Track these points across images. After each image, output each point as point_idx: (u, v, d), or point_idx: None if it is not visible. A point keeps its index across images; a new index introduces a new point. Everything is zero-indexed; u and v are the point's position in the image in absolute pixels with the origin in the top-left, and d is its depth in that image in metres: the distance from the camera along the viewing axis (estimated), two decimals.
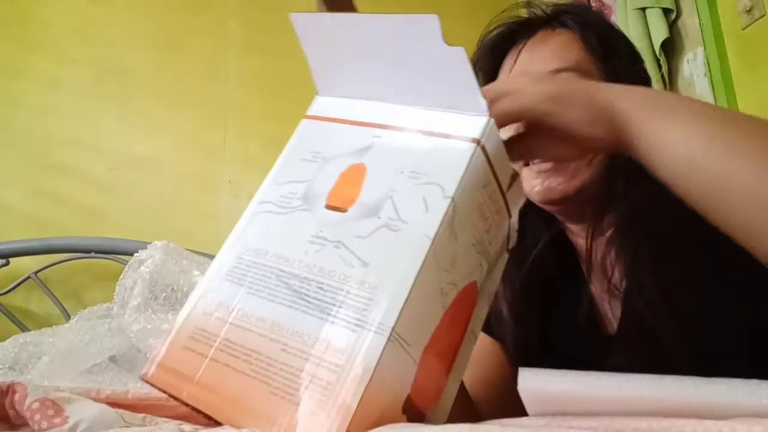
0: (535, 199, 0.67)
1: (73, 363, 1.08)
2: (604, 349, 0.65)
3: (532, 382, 0.34)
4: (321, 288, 0.35)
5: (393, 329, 0.33)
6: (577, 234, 0.72)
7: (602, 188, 0.65)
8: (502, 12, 0.73)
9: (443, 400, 0.41)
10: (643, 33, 1.69)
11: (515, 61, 0.69)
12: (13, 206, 1.63)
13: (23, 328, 1.48)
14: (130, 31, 1.85)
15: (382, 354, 0.32)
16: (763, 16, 1.46)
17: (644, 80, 0.72)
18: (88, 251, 1.57)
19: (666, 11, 1.69)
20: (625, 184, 0.64)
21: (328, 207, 0.39)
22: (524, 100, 0.43)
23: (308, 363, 0.33)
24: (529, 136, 0.47)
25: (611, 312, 0.68)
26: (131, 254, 1.41)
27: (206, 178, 1.82)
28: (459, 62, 0.38)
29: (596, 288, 0.70)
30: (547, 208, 0.69)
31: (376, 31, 0.41)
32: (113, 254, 1.56)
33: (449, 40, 0.42)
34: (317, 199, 0.40)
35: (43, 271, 1.56)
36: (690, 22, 1.67)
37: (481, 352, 0.76)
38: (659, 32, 1.66)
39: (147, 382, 0.37)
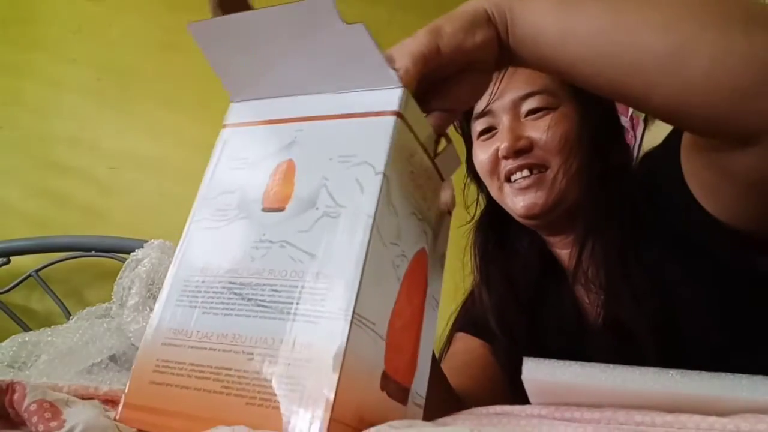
0: (519, 215, 0.72)
1: (72, 362, 1.08)
2: (587, 343, 0.69)
3: (536, 371, 0.34)
4: (275, 290, 0.35)
5: (354, 312, 0.33)
6: (555, 245, 0.76)
7: (578, 197, 0.70)
8: None
9: (421, 368, 0.41)
10: None
11: (493, 91, 0.72)
12: (13, 205, 1.63)
13: (24, 327, 1.48)
14: (130, 31, 1.85)
15: (348, 339, 0.32)
16: None
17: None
18: (89, 250, 1.57)
19: None
20: (593, 192, 0.69)
21: (265, 209, 0.39)
22: (411, 50, 0.42)
23: (278, 365, 0.33)
24: (435, 94, 0.47)
25: (594, 310, 0.72)
26: (131, 253, 1.41)
27: None
28: (362, 39, 0.38)
29: (580, 290, 0.73)
30: (529, 222, 0.73)
31: (272, 24, 0.41)
32: (114, 253, 1.56)
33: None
34: (253, 205, 0.39)
35: (43, 270, 1.56)
36: None
37: (471, 353, 0.79)
38: None
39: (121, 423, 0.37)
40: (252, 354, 0.34)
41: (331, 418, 0.30)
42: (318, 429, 0.30)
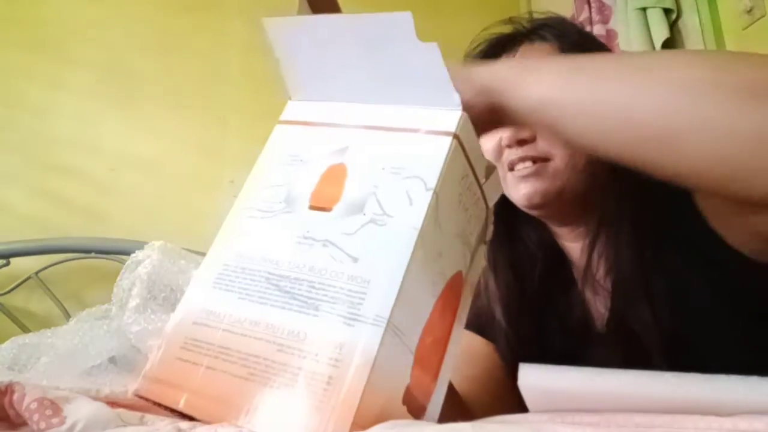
0: (521, 203, 0.70)
1: (72, 364, 1.08)
2: (591, 345, 0.68)
3: (533, 377, 0.34)
4: (312, 287, 0.35)
5: (389, 320, 0.33)
6: (564, 237, 0.75)
7: (584, 190, 0.68)
8: (483, 30, 0.76)
9: (439, 388, 0.41)
10: (644, 33, 1.68)
11: None
12: (14, 206, 1.64)
13: (24, 329, 1.48)
14: (130, 32, 1.85)
15: (380, 344, 0.32)
16: (764, 16, 1.45)
17: None
18: (89, 251, 1.57)
19: (667, 11, 1.69)
20: (605, 186, 0.67)
21: (312, 207, 0.39)
22: None
23: (307, 360, 0.33)
24: None
25: (599, 311, 0.71)
26: (131, 254, 1.41)
27: (207, 178, 1.82)
28: (433, 58, 0.39)
29: (588, 288, 0.72)
30: (533, 212, 0.72)
31: (349, 31, 0.41)
32: (114, 254, 1.57)
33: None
34: (300, 201, 0.40)
35: (43, 272, 1.57)
36: (690, 23, 1.67)
37: (474, 352, 0.78)
38: (660, 32, 1.66)
39: (141, 398, 0.36)
40: (282, 345, 0.34)
41: (353, 422, 0.30)
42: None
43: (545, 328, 0.74)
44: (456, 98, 0.39)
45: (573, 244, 0.74)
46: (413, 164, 0.38)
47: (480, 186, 0.44)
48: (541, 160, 0.68)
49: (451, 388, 0.66)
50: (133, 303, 1.24)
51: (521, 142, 0.68)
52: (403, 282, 0.34)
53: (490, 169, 0.45)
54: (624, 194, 0.67)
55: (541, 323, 0.74)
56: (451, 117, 0.39)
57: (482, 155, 0.44)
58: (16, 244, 1.54)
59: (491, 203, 0.47)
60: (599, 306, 0.70)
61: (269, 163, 0.44)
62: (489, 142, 0.72)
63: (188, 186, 1.79)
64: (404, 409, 0.36)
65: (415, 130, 0.40)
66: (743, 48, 1.52)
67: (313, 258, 0.37)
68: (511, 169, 0.70)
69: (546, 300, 0.75)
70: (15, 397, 0.34)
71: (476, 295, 0.83)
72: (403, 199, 0.37)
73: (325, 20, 0.42)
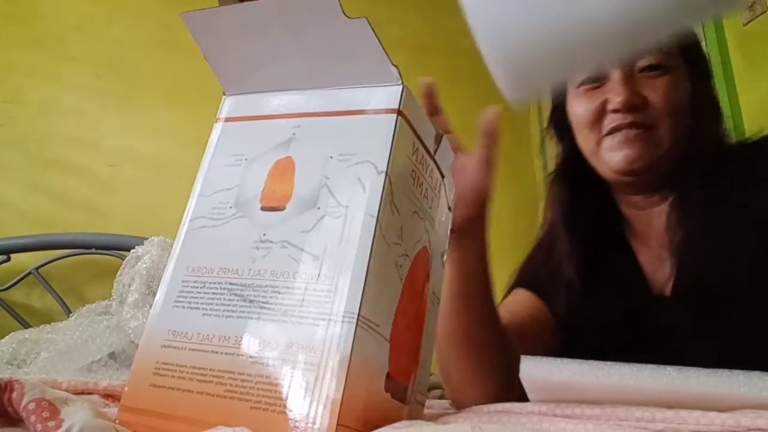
0: (618, 167, 0.70)
1: (72, 359, 1.08)
2: (653, 309, 0.69)
3: (534, 370, 0.34)
4: (277, 292, 0.34)
5: (359, 315, 0.32)
6: (633, 205, 0.75)
7: (675, 161, 0.69)
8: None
9: (423, 364, 0.41)
10: None
11: None
12: (14, 202, 1.63)
13: (24, 324, 1.48)
14: (130, 28, 1.84)
15: (353, 342, 0.32)
16: (765, 11, 1.45)
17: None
18: (89, 247, 1.57)
19: None
20: (694, 158, 0.69)
21: (264, 208, 0.38)
22: None
23: (283, 369, 0.32)
24: None
25: (658, 275, 0.71)
26: (131, 250, 1.41)
27: None
28: (364, 35, 0.37)
29: (644, 254, 0.73)
30: (625, 178, 0.71)
31: (272, 17, 0.40)
32: (114, 250, 1.56)
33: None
34: (251, 203, 0.38)
35: (44, 267, 1.56)
36: None
37: (522, 305, 0.77)
38: None
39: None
40: (255, 357, 0.33)
41: (338, 423, 0.30)
42: None
43: (602, 290, 0.74)
44: (394, 72, 0.38)
45: (641, 211, 0.74)
46: (361, 149, 0.37)
47: (432, 156, 0.43)
48: (646, 127, 0.68)
49: (499, 324, 0.66)
50: (131, 298, 1.24)
51: (632, 109, 0.68)
52: (367, 274, 0.33)
53: (438, 138, 0.44)
54: (705, 167, 0.68)
55: (598, 286, 0.74)
56: (392, 93, 0.38)
57: (429, 126, 0.43)
58: (16, 239, 1.54)
59: (446, 171, 0.46)
60: (659, 271, 0.71)
61: (213, 167, 0.42)
62: (586, 104, 0.72)
63: (188, 182, 1.77)
64: (387, 396, 0.36)
65: (358, 112, 0.39)
66: (744, 44, 1.52)
67: (273, 262, 0.35)
68: (611, 133, 0.70)
69: (603, 263, 0.75)
70: (14, 395, 0.34)
71: (532, 262, 0.83)
72: (355, 187, 0.36)
73: (245, 8, 0.40)
